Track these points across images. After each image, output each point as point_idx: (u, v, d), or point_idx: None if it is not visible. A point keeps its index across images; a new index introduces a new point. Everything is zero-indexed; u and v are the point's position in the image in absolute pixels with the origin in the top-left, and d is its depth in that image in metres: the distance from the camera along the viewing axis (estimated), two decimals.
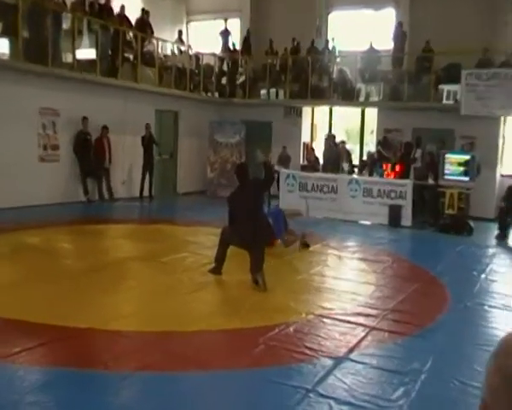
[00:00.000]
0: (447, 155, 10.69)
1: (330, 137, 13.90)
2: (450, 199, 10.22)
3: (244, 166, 6.24)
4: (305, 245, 7.97)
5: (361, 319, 4.86)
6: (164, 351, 3.97)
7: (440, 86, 13.19)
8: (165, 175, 14.66)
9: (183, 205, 13.78)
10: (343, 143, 13.68)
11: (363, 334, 4.48)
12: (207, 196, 14.77)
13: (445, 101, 13.09)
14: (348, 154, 13.41)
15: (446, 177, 10.53)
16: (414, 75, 13.60)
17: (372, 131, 15.13)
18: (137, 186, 13.15)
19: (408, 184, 10.82)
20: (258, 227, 5.82)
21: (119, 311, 4.86)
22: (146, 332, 4.39)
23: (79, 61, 11.42)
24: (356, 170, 13.07)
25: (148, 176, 13.18)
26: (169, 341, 4.23)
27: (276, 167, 12.46)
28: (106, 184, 12.41)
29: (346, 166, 12.75)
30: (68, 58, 11.42)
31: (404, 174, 11.31)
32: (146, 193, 13.23)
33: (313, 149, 14.45)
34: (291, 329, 4.51)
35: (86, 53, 11.75)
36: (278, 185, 12.49)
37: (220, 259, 6.06)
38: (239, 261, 6.12)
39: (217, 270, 6.09)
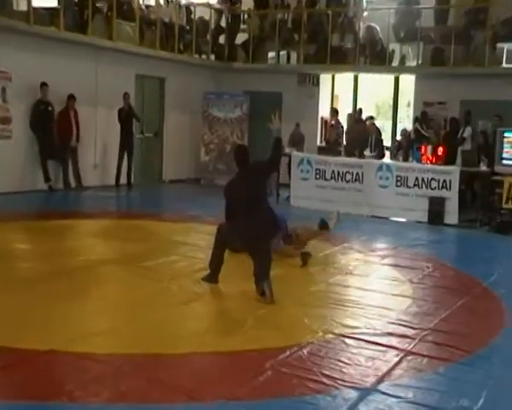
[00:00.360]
0: (507, 134, 10.65)
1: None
2: (509, 190, 10.17)
3: (244, 149, 6.27)
4: (305, 259, 7.21)
5: (393, 341, 4.85)
6: (145, 378, 3.97)
7: (499, 45, 13.10)
8: (148, 158, 14.68)
9: (171, 196, 13.77)
10: (371, 119, 13.67)
11: (395, 359, 4.47)
12: (201, 184, 14.78)
13: (504, 64, 12.99)
14: (378, 133, 13.38)
15: (505, 162, 10.51)
16: (463, 32, 13.51)
17: (408, 105, 15.07)
18: (113, 172, 13.17)
19: (454, 172, 10.79)
20: (263, 223, 5.82)
21: (88, 328, 4.85)
22: (122, 355, 4.38)
23: (37, 11, 11.36)
24: (387, 153, 13.04)
25: (126, 159, 13.19)
26: (152, 365, 4.23)
27: (288, 149, 12.45)
28: (73, 168, 12.44)
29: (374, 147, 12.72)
30: (22, 6, 11.36)
31: (448, 159, 11.29)
32: (124, 180, 13.25)
33: (333, 127, 14.42)
34: (305, 351, 4.51)
35: (46, 0, 11.71)
36: (290, 172, 12.47)
37: (216, 263, 6.07)
38: (240, 266, 6.10)
39: (212, 277, 6.09)
